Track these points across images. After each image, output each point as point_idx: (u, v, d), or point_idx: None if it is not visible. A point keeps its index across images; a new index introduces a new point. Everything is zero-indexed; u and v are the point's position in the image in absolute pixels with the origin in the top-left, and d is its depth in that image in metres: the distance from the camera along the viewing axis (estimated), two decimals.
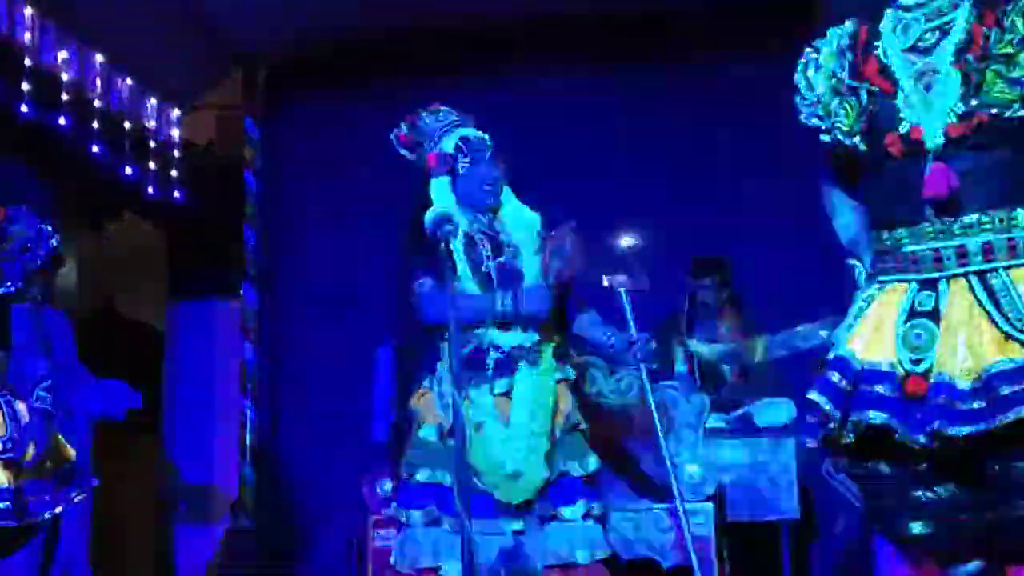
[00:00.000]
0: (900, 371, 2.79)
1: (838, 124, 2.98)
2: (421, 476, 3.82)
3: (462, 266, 3.90)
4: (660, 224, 6.75)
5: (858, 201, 3.11)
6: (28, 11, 5.55)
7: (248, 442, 7.01)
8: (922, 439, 2.70)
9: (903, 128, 2.85)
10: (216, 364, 8.04)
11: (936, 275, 2.84)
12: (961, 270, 2.80)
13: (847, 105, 2.97)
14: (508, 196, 4.09)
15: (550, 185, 6.55)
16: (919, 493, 2.85)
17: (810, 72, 3.06)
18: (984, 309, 2.75)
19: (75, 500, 4.21)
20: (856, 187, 3.10)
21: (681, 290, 5.95)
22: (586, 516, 3.76)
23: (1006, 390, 2.63)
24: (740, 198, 6.63)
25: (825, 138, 3.03)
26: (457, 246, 3.91)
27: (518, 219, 4.03)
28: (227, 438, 7.41)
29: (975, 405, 2.66)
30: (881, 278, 2.95)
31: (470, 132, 4.08)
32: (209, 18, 6.76)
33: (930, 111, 2.84)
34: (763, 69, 6.61)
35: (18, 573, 6.06)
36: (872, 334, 2.88)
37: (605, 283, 4.00)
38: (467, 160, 4.01)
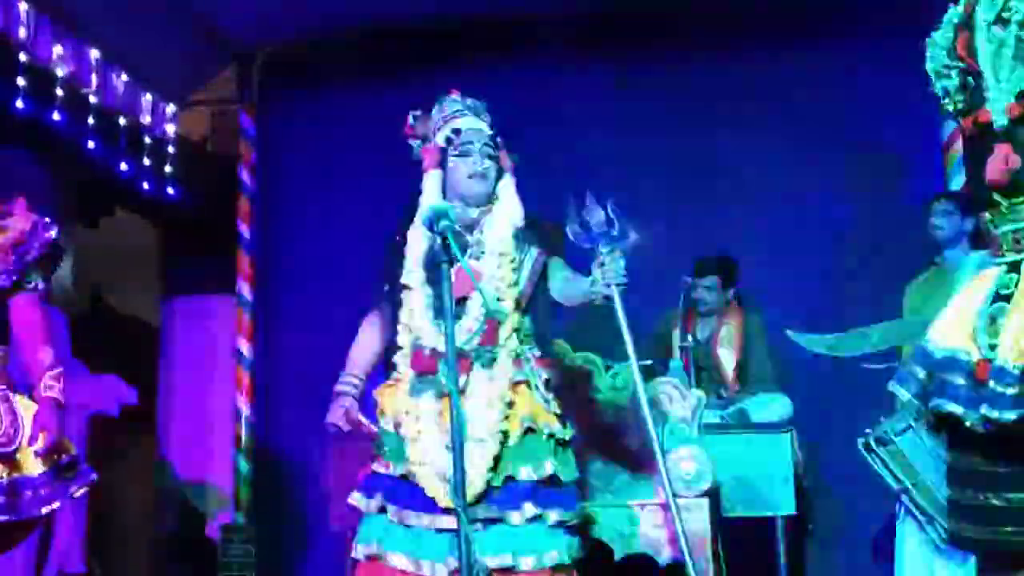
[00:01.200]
0: (975, 357, 2.79)
1: (946, 106, 2.99)
2: (376, 465, 3.84)
3: (417, 266, 3.89)
4: (661, 222, 6.80)
5: None
6: (23, 6, 5.54)
7: (243, 437, 7.00)
8: (978, 423, 2.71)
9: (976, 109, 2.87)
10: (211, 360, 8.04)
11: (1017, 257, 2.84)
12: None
13: (947, 87, 2.96)
14: (506, 189, 4.00)
15: (551, 178, 6.59)
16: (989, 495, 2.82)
17: (928, 58, 3.03)
18: None
19: (74, 495, 4.20)
20: None
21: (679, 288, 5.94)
22: (535, 519, 3.63)
23: None
24: (745, 198, 6.64)
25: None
26: (416, 247, 3.90)
27: (503, 215, 3.93)
28: (222, 434, 7.41)
29: (1017, 390, 2.66)
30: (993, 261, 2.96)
31: (464, 123, 4.01)
32: (204, 14, 6.76)
33: (1000, 90, 2.83)
34: (772, 65, 6.69)
35: (14, 570, 6.07)
36: (955, 320, 2.89)
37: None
38: (456, 152, 3.96)
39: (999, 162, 2.79)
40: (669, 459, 4.48)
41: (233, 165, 7.38)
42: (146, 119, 6.81)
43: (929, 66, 3.01)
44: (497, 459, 3.67)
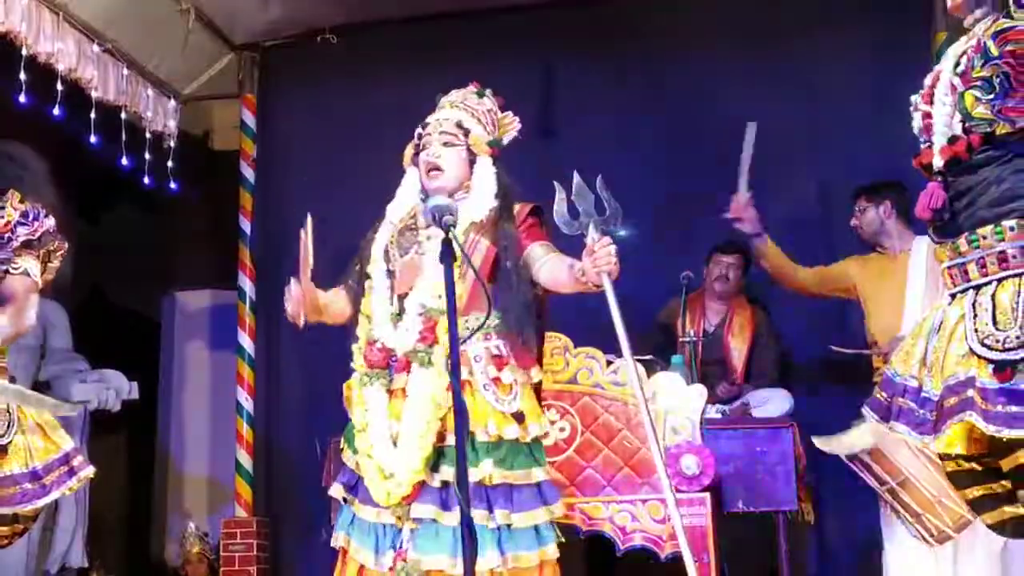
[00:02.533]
0: (921, 383, 3.03)
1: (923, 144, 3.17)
2: (344, 455, 3.87)
3: (378, 259, 3.89)
4: (661, 214, 6.80)
5: None
6: (25, 1, 5.53)
7: (244, 432, 7.00)
8: (919, 445, 3.05)
9: (934, 140, 3.06)
10: (212, 354, 8.05)
11: (955, 291, 3.04)
12: (964, 286, 2.99)
13: (919, 126, 3.18)
14: (476, 176, 3.91)
15: (546, 169, 6.59)
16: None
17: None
18: (964, 324, 2.93)
19: (71, 489, 4.20)
20: None
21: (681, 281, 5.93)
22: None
23: (951, 400, 2.86)
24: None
25: None
26: (380, 240, 3.92)
27: (466, 208, 3.82)
28: (224, 428, 7.40)
29: (935, 416, 2.93)
30: None
31: (433, 116, 3.98)
32: (205, 8, 6.75)
33: (942, 134, 3.02)
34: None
35: (14, 564, 6.07)
36: (910, 349, 3.11)
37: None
38: (422, 146, 3.92)
39: (926, 199, 3.00)
40: (671, 454, 4.48)
41: (234, 159, 7.38)
42: (147, 114, 6.80)
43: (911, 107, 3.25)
44: (434, 459, 3.61)
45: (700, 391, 4.80)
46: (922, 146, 3.14)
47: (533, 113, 6.88)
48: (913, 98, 3.21)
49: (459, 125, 3.93)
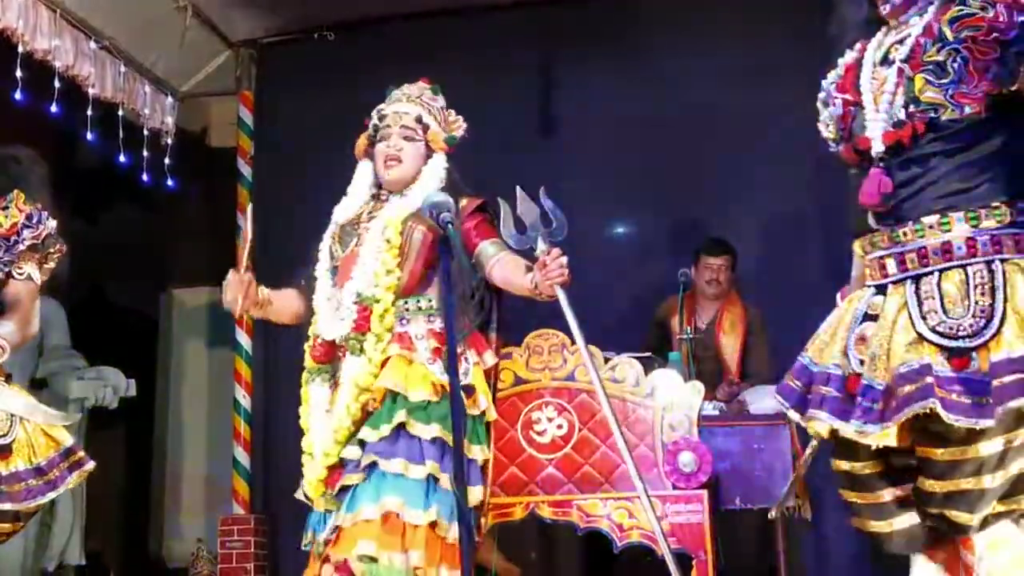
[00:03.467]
0: (846, 372, 2.97)
1: (828, 134, 3.20)
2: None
3: (323, 257, 3.98)
4: (650, 212, 6.80)
5: None
6: None
7: (242, 430, 7.00)
8: (853, 435, 2.89)
9: (856, 137, 3.05)
10: (210, 352, 8.05)
11: (884, 281, 3.01)
12: (901, 276, 2.96)
13: (828, 116, 3.19)
14: (430, 172, 3.99)
15: (545, 167, 6.59)
16: (883, 492, 3.07)
17: (822, 89, 3.27)
18: (909, 312, 2.90)
19: (68, 486, 4.21)
20: None
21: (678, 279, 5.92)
22: (371, 467, 3.64)
23: (907, 388, 2.79)
24: (737, 187, 6.63)
25: (832, 148, 3.24)
26: (326, 237, 4.01)
27: (399, 201, 3.94)
28: (221, 426, 7.40)
29: (881, 405, 2.85)
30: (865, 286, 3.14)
31: (390, 108, 4.06)
32: (203, 5, 6.75)
33: (877, 119, 2.99)
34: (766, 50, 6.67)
35: (11, 562, 6.07)
36: (828, 339, 3.07)
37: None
38: (378, 138, 4.01)
39: (873, 185, 2.95)
40: (668, 451, 4.48)
41: (232, 156, 7.38)
42: (144, 111, 6.80)
43: (819, 97, 3.26)
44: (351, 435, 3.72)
45: (698, 388, 4.79)
46: (828, 135, 3.18)
47: (532, 110, 6.90)
48: (824, 92, 3.24)
49: (419, 120, 4.03)
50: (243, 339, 7.13)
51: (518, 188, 3.67)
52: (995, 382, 2.71)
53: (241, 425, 7.03)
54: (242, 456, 6.98)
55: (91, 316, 7.11)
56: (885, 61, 3.05)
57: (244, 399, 7.06)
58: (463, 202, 3.92)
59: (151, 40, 6.66)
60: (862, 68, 3.08)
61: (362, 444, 3.69)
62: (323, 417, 3.79)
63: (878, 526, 3.09)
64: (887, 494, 3.06)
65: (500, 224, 3.68)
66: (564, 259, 3.54)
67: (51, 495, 4.13)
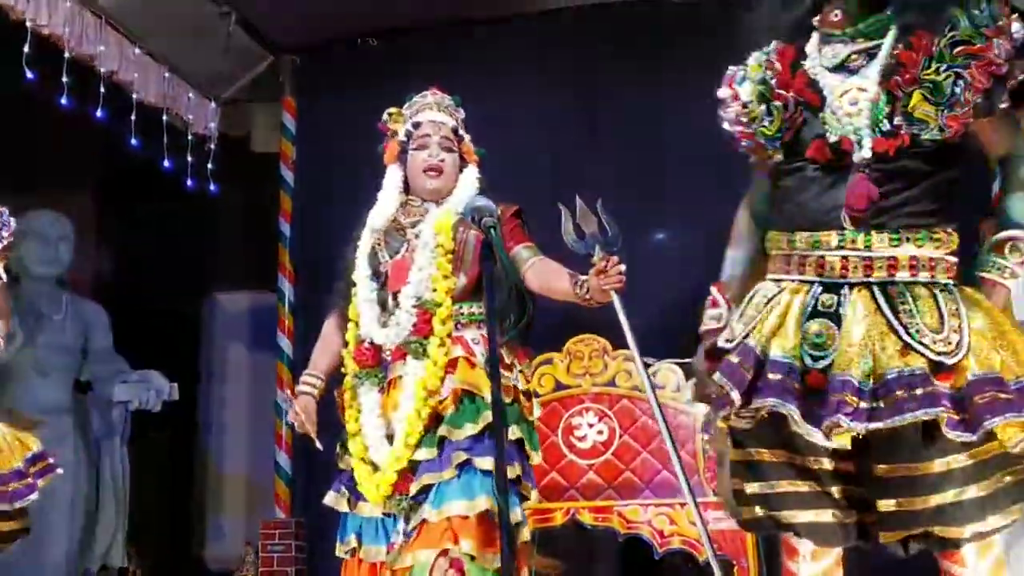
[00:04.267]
0: (800, 365, 2.94)
1: (762, 128, 3.17)
2: (341, 463, 3.98)
3: (362, 262, 3.97)
4: (692, 218, 6.77)
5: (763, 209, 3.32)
6: (67, 4, 5.59)
7: (284, 434, 7.03)
8: (820, 433, 2.86)
9: (832, 137, 3.03)
10: (251, 356, 8.08)
11: (840, 281, 3.00)
12: (864, 279, 2.97)
13: (774, 110, 3.16)
14: (464, 179, 4.04)
15: (589, 174, 6.58)
16: (806, 486, 3.03)
17: (736, 83, 3.29)
18: (885, 318, 2.91)
19: (41, 487, 4.32)
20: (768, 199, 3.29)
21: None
22: (465, 465, 3.68)
23: (903, 393, 2.78)
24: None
25: (746, 143, 3.25)
26: (363, 244, 4.00)
27: (445, 206, 3.97)
28: (263, 429, 7.43)
29: (873, 404, 2.81)
30: (778, 278, 3.13)
31: (424, 117, 4.07)
32: (246, 12, 6.79)
33: (858, 126, 3.02)
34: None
35: (55, 563, 6.13)
36: (775, 329, 3.01)
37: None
38: (414, 146, 4.01)
39: (863, 188, 2.97)
40: (710, 457, 4.47)
41: (274, 162, 7.41)
42: (188, 116, 6.85)
43: (747, 89, 3.24)
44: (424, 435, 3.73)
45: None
46: (763, 130, 3.17)
47: (573, 116, 6.88)
48: (744, 87, 3.26)
49: (455, 131, 4.08)
50: (284, 343, 7.16)
51: (577, 197, 3.70)
52: (977, 398, 2.77)
53: (283, 429, 7.05)
54: (284, 460, 7.01)
55: (134, 319, 7.15)
56: (843, 68, 3.10)
57: (286, 403, 7.07)
58: (499, 208, 3.94)
59: (195, 46, 6.70)
60: (813, 71, 3.12)
61: (440, 443, 3.70)
62: (377, 422, 3.79)
63: (806, 516, 3.07)
64: (805, 486, 3.05)
65: (561, 228, 3.69)
66: (623, 267, 3.60)
67: (31, 497, 4.23)
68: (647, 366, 4.79)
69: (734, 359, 3.02)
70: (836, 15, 3.12)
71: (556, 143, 6.78)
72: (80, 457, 6.27)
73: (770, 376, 2.93)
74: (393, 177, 4.10)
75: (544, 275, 3.87)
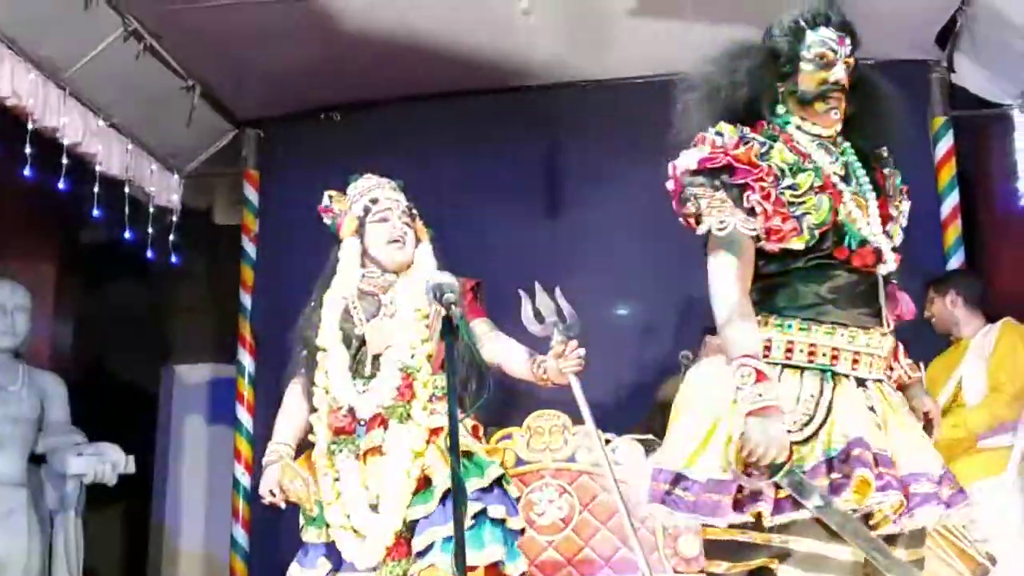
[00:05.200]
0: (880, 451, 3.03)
1: (809, 215, 3.16)
2: (307, 535, 3.96)
3: (332, 327, 3.98)
4: (651, 294, 6.80)
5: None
6: (32, 76, 5.60)
7: (241, 508, 6.96)
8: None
9: (875, 243, 3.20)
10: (210, 429, 8.02)
11: (865, 377, 3.16)
12: (875, 376, 3.19)
13: (828, 201, 3.18)
14: (422, 255, 4.12)
15: (546, 249, 6.61)
16: None
17: (757, 156, 3.19)
18: (896, 412, 3.19)
19: None
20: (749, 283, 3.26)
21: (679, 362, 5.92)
22: (480, 514, 3.73)
23: (926, 487, 3.07)
24: None
25: (773, 223, 3.15)
26: (332, 311, 4.02)
27: (416, 275, 4.02)
28: (220, 503, 7.36)
29: (940, 491, 3.10)
30: (796, 364, 3.15)
31: (381, 193, 4.15)
32: (210, 85, 6.82)
33: (875, 236, 3.21)
34: None
35: None
36: (862, 421, 3.06)
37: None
38: (374, 219, 4.07)
39: (912, 304, 3.41)
40: (669, 534, 4.47)
41: (236, 234, 7.41)
42: (150, 188, 6.85)
43: (783, 168, 3.21)
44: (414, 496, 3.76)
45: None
46: (813, 221, 3.16)
47: (535, 191, 6.94)
48: (790, 167, 3.23)
49: (409, 210, 4.18)
50: (244, 416, 7.12)
51: (536, 283, 3.82)
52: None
53: (240, 503, 6.99)
54: (241, 535, 6.94)
55: (92, 391, 7.08)
56: (845, 179, 3.26)
57: (244, 477, 7.02)
58: (458, 281, 3.99)
59: (158, 119, 6.72)
60: (831, 176, 3.23)
61: (443, 498, 3.71)
62: (358, 489, 3.78)
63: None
64: None
65: (521, 312, 3.82)
66: (582, 351, 3.71)
67: None
68: (607, 442, 4.83)
69: (856, 451, 2.99)
70: (836, 114, 3.25)
71: (515, 217, 6.82)
72: (33, 530, 6.18)
73: (882, 469, 2.97)
74: (352, 249, 4.12)
75: (502, 352, 3.95)
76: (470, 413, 3.81)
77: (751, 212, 3.14)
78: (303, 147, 7.30)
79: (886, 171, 3.36)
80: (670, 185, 3.38)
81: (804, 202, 3.15)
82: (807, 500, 2.93)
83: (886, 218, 3.25)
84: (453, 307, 3.25)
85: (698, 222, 3.23)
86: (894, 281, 3.25)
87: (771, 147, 3.21)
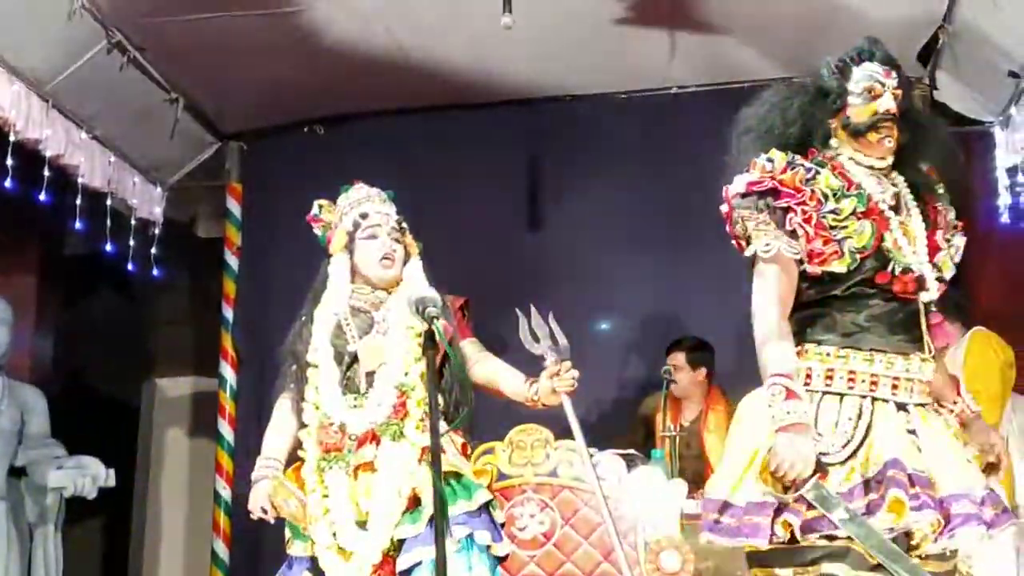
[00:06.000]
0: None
1: (850, 239, 3.24)
2: (293, 549, 3.94)
3: (323, 343, 3.95)
4: (634, 309, 6.82)
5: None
6: (14, 88, 5.58)
7: (222, 522, 6.94)
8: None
9: (916, 271, 3.26)
10: (191, 442, 8.00)
11: (905, 401, 3.24)
12: (917, 401, 3.26)
13: (870, 226, 3.26)
14: (412, 271, 4.10)
15: (529, 263, 6.62)
16: None
17: (803, 180, 3.29)
18: (944, 435, 3.25)
19: None
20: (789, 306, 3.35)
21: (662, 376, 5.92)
22: (468, 537, 3.73)
23: (965, 507, 3.09)
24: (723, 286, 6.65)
25: (809, 246, 3.26)
26: (323, 327, 3.99)
27: (407, 292, 3.92)
28: (201, 517, 7.34)
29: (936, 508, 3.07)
30: (837, 391, 3.24)
31: (371, 208, 4.12)
32: (193, 98, 6.81)
33: (920, 264, 3.28)
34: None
35: None
36: (899, 444, 3.13)
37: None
38: (363, 236, 4.05)
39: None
40: (651, 549, 4.47)
41: (219, 247, 7.40)
42: (133, 201, 6.83)
43: (826, 192, 3.30)
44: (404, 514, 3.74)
45: (681, 486, 4.78)
46: (854, 246, 3.26)
47: (518, 206, 6.95)
48: (836, 194, 3.31)
49: (399, 223, 4.14)
50: (225, 430, 7.10)
51: (531, 306, 3.89)
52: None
53: (221, 517, 6.97)
54: (221, 549, 6.92)
55: (72, 404, 7.06)
56: (896, 208, 3.33)
57: (225, 491, 7.00)
58: (448, 299, 4.00)
59: (141, 131, 6.70)
60: (879, 203, 3.30)
61: (431, 519, 3.65)
62: (347, 506, 3.76)
63: None
64: None
65: (519, 331, 3.87)
66: (575, 372, 3.80)
67: None
68: (590, 456, 4.82)
69: (891, 472, 3.06)
70: (889, 141, 3.34)
71: (500, 232, 6.83)
72: (12, 543, 6.15)
73: (918, 489, 3.03)
74: (341, 265, 4.10)
75: (493, 373, 3.99)
76: (453, 428, 3.81)
77: (793, 234, 3.26)
78: (286, 160, 7.29)
79: (939, 206, 3.42)
80: (723, 208, 3.43)
81: (846, 226, 3.24)
82: (831, 513, 3.01)
83: (934, 249, 3.33)
84: (436, 321, 3.24)
85: (748, 243, 3.34)
86: (934, 309, 3.39)
87: (817, 172, 3.31)
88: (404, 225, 4.17)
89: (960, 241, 3.45)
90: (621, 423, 6.30)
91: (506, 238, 6.87)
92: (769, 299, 3.27)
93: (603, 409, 6.50)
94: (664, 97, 6.82)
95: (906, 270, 3.24)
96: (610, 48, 6.37)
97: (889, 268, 3.24)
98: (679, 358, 6.07)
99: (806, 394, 3.17)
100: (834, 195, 3.26)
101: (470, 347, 4.04)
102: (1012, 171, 6.10)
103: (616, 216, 6.77)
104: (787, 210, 3.27)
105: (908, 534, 3.09)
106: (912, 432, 3.17)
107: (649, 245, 6.73)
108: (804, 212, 3.25)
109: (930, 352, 3.33)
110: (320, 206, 4.25)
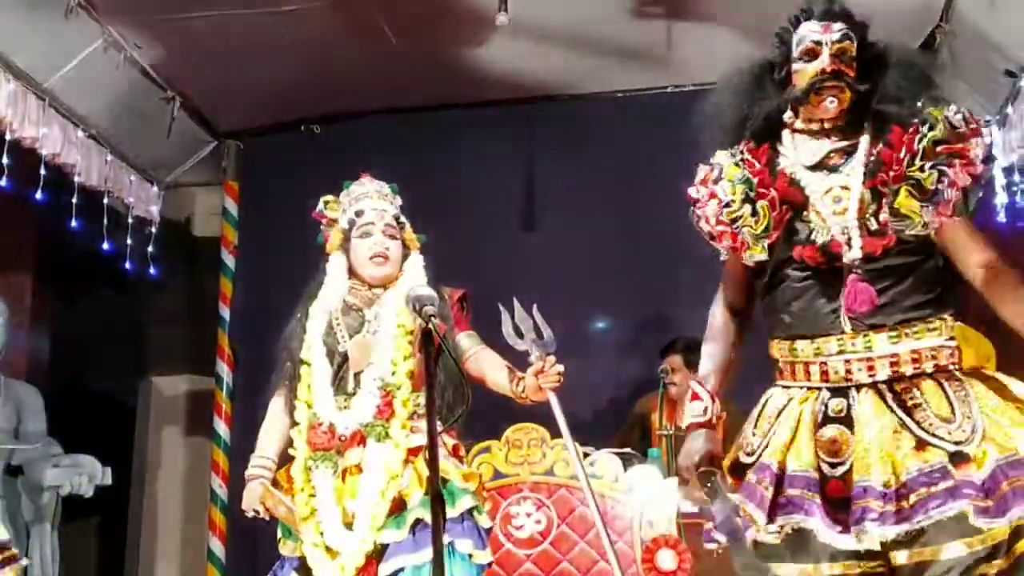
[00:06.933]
0: (818, 475, 2.93)
1: (748, 227, 3.13)
2: (284, 548, 3.92)
3: (316, 341, 3.94)
4: (631, 308, 6.82)
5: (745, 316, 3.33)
6: (11, 86, 5.58)
7: (218, 520, 6.93)
8: (847, 541, 2.84)
9: (820, 239, 3.03)
10: (187, 441, 7.99)
11: (847, 385, 3.00)
12: (870, 380, 2.97)
13: (760, 209, 3.11)
14: (411, 267, 4.09)
15: (525, 261, 6.61)
16: None
17: (711, 182, 3.25)
18: (896, 416, 2.91)
19: None
20: (742, 305, 3.32)
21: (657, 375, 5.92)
22: (449, 545, 3.68)
23: (926, 491, 2.79)
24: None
25: (726, 243, 3.19)
26: (316, 324, 3.97)
27: (400, 290, 3.94)
28: (197, 515, 7.34)
29: (898, 506, 2.80)
30: (786, 384, 3.13)
31: (366, 204, 4.10)
32: (190, 97, 6.81)
33: (845, 225, 3.01)
34: None
35: None
36: (789, 441, 3.01)
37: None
38: (357, 234, 4.04)
39: (865, 292, 2.96)
40: (647, 548, 4.47)
41: (215, 246, 7.40)
42: (130, 199, 6.83)
43: (726, 187, 3.20)
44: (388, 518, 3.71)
45: (674, 485, 4.79)
46: (749, 229, 3.13)
47: (516, 205, 6.95)
48: (724, 186, 3.22)
49: (397, 219, 4.12)
50: (221, 428, 7.10)
51: (515, 299, 3.82)
52: (1004, 485, 2.76)
53: (217, 515, 6.96)
54: (217, 547, 6.92)
55: (69, 403, 7.05)
56: (822, 167, 3.11)
57: (221, 489, 7.00)
58: (446, 292, 3.99)
59: (138, 130, 6.70)
60: (785, 170, 3.12)
61: (414, 526, 3.68)
62: (334, 507, 3.75)
63: None
64: None
65: (501, 326, 3.81)
66: (560, 367, 3.72)
67: None
68: (585, 456, 4.83)
69: (752, 477, 3.04)
70: (832, 102, 3.07)
71: (495, 231, 6.83)
72: (9, 542, 6.15)
73: (790, 491, 2.94)
74: (338, 264, 4.10)
75: (484, 366, 3.92)
76: (447, 427, 3.79)
77: (712, 237, 3.24)
78: (283, 159, 7.29)
79: (911, 126, 3.03)
80: None
81: (741, 215, 3.15)
82: (713, 504, 3.07)
83: (880, 194, 3.00)
84: (432, 320, 3.23)
85: None
86: (858, 271, 2.98)
87: (723, 168, 3.24)
88: (404, 220, 4.15)
89: (951, 171, 2.96)
90: (618, 422, 6.30)
91: (504, 238, 6.87)
92: (716, 301, 3.36)
93: (599, 408, 6.50)
94: (663, 97, 6.82)
95: (809, 241, 3.05)
96: (610, 48, 6.36)
97: (799, 239, 3.07)
98: (675, 359, 6.06)
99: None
100: (732, 187, 3.18)
101: (467, 340, 3.99)
102: (1009, 170, 6.09)
103: (614, 216, 6.77)
104: (701, 217, 3.27)
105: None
106: (837, 420, 2.97)
107: (646, 245, 6.73)
108: (705, 215, 3.24)
109: (848, 325, 3.02)
110: (326, 202, 4.23)
